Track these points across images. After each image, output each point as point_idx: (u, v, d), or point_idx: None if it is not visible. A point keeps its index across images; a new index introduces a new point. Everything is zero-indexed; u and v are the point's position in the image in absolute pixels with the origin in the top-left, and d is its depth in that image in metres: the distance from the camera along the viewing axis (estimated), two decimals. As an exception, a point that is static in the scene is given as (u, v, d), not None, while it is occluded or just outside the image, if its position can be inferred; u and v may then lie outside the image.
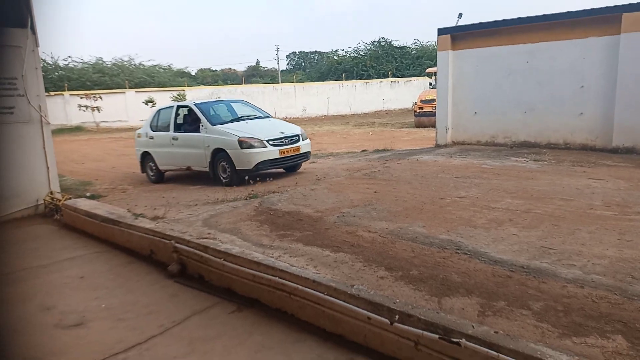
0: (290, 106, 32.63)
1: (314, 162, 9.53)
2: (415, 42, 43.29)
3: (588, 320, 2.42)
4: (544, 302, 2.64)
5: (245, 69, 58.17)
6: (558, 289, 2.80)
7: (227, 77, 54.08)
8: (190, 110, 8.57)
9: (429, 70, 23.69)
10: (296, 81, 39.22)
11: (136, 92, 30.34)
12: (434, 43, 36.23)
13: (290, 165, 8.22)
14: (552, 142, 8.92)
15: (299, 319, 3.09)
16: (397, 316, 2.58)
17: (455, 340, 2.32)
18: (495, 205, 4.74)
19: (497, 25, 9.51)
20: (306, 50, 60.38)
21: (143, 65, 39.46)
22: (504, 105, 9.49)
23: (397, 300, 2.71)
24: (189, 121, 8.55)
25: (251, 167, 7.30)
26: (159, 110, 9.34)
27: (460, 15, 11.29)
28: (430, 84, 22.58)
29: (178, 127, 8.56)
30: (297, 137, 8.06)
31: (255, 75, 53.97)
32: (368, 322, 2.71)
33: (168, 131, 8.62)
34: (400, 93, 33.92)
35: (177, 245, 4.08)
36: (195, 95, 28.93)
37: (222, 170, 7.70)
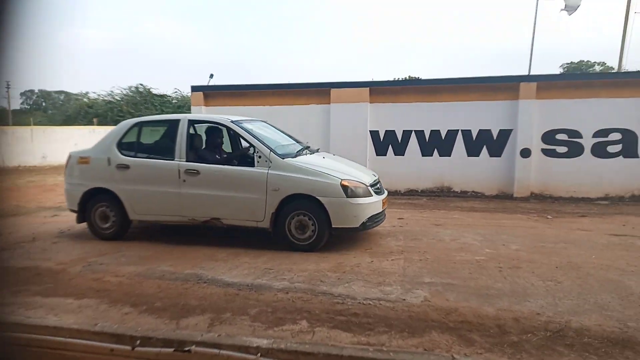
0: (25, 153, 27.89)
1: (56, 215, 8.68)
2: (176, 92, 43.78)
3: (287, 314, 3.34)
4: (259, 308, 3.46)
5: (-42, 105, 47.07)
6: (271, 297, 3.69)
7: None
8: (223, 131, 6.07)
9: (187, 121, 24.48)
10: (34, 124, 34.05)
11: None
12: (192, 95, 37.28)
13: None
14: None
15: (37, 370, 3.07)
16: (138, 341, 2.96)
17: (187, 349, 2.86)
18: (237, 241, 5.59)
19: (241, 88, 11.00)
20: (48, 90, 53.15)
21: None
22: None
23: (139, 329, 3.09)
24: (214, 147, 6.04)
25: (357, 225, 5.09)
26: (140, 123, 6.04)
27: (211, 75, 12.49)
28: (189, 134, 23.35)
29: (190, 155, 5.59)
30: (380, 184, 5.90)
31: (-26, 114, 44.28)
32: (111, 353, 2.99)
33: (171, 158, 5.56)
34: (160, 141, 33.50)
35: None
36: None
37: (297, 228, 5.17)
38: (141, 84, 42.01)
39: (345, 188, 5.04)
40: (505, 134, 9.09)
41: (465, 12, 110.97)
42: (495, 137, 9.19)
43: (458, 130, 9.33)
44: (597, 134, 8.65)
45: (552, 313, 3.32)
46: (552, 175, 8.93)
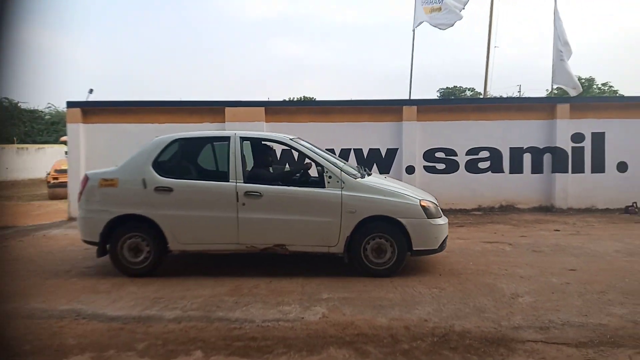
0: None
1: None
2: (50, 107, 39.55)
3: (179, 346, 3.13)
4: (148, 342, 3.20)
5: None
6: (161, 328, 3.43)
7: None
8: (274, 148, 5.94)
9: (63, 138, 22.20)
10: None
11: None
12: (71, 110, 34.03)
13: None
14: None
15: None
16: (-1, 395, 2.53)
17: (61, 396, 2.51)
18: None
19: (127, 105, 10.30)
20: None
21: None
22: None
23: (0, 380, 2.64)
24: (266, 166, 5.54)
25: (437, 247, 4.94)
26: (180, 139, 5.31)
27: (91, 90, 11.52)
28: (66, 152, 21.14)
29: (247, 176, 5.02)
30: None
31: None
32: (-38, 414, 2.51)
33: (226, 179, 4.93)
34: (30, 161, 29.80)
35: None
36: None
37: (374, 252, 4.81)
38: (6, 98, 37.12)
39: (425, 209, 4.90)
40: (392, 153, 9.74)
41: (354, 36, 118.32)
42: (383, 156, 9.80)
43: (351, 149, 9.75)
44: (469, 152, 9.69)
45: (438, 319, 3.58)
46: (433, 189, 9.64)
